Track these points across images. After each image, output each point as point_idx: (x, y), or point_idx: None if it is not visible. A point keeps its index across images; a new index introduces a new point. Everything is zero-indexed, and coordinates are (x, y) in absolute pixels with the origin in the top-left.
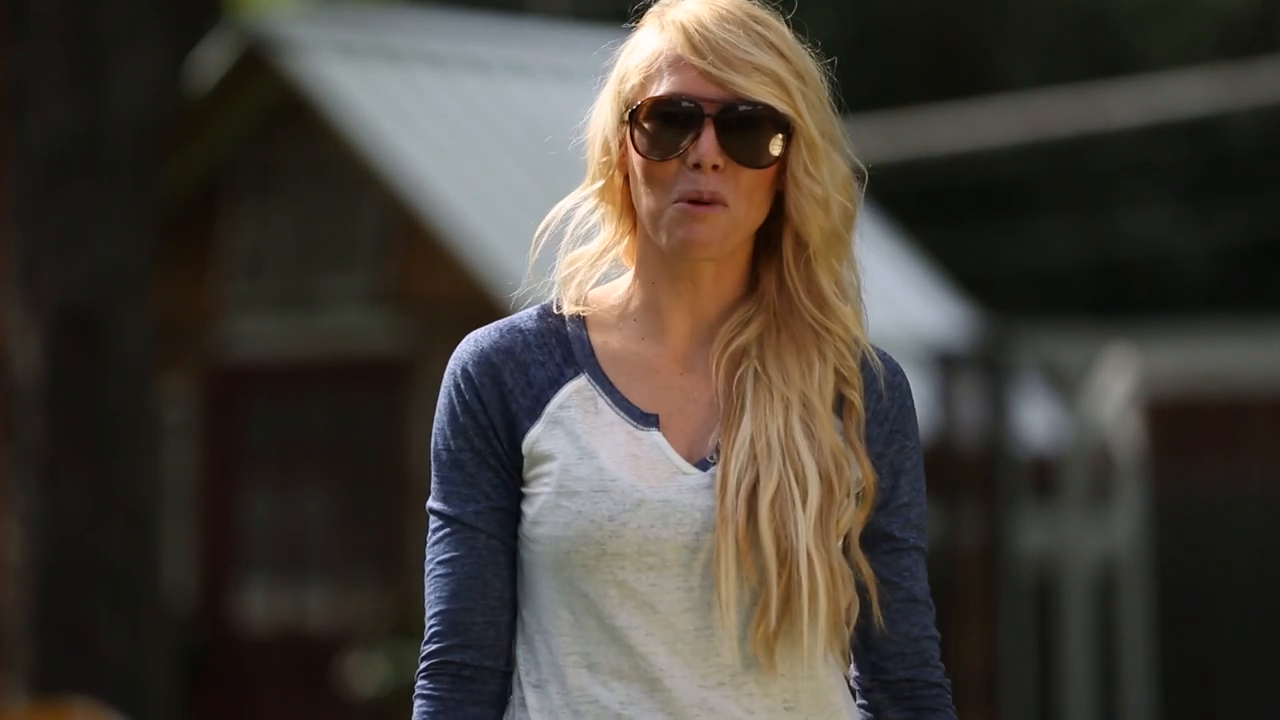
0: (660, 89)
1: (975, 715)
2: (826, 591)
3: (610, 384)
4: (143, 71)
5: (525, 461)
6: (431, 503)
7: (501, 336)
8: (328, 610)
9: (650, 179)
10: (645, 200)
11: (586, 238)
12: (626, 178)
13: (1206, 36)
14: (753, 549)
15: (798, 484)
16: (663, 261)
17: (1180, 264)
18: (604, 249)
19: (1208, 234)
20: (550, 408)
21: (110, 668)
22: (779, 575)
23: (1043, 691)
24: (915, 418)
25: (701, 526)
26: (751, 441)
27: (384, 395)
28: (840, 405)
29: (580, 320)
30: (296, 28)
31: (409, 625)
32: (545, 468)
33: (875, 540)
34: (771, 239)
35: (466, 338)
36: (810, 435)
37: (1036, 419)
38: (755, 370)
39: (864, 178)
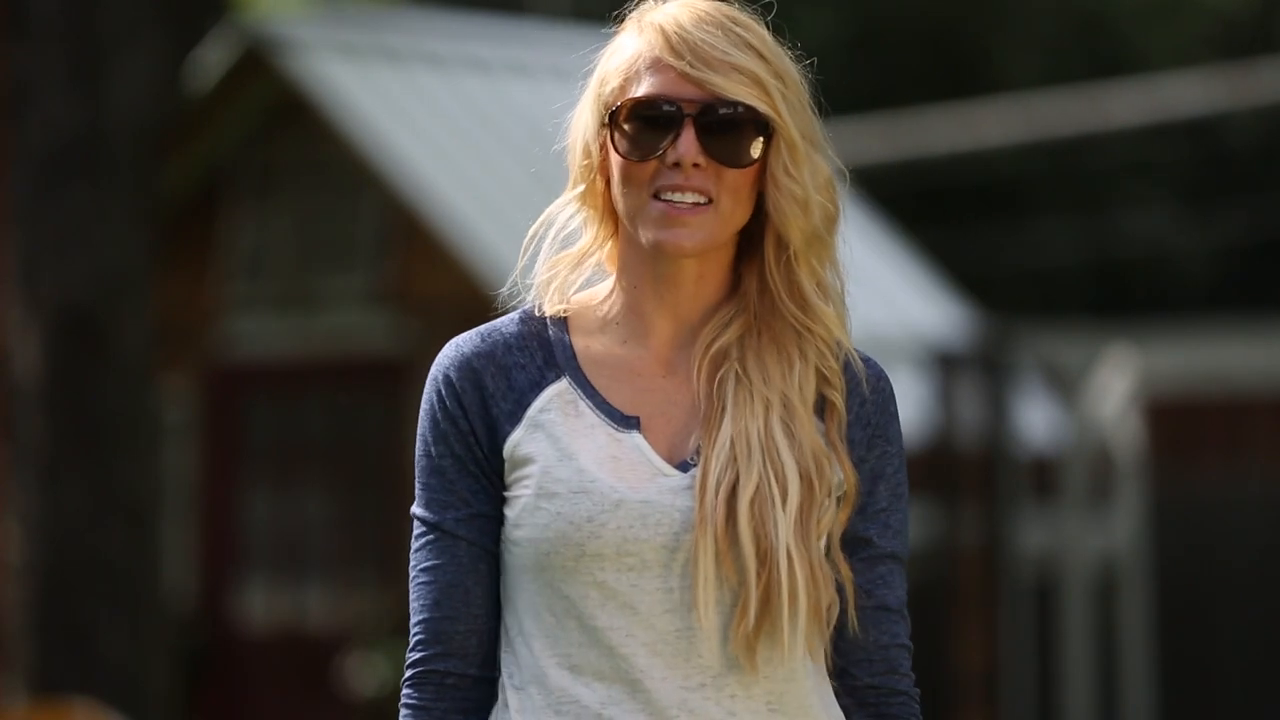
0: (639, 90)
1: (975, 715)
2: (807, 590)
3: (591, 387)
4: (143, 71)
5: (506, 465)
6: (414, 508)
7: (483, 341)
8: (328, 610)
9: (629, 179)
10: (625, 200)
11: (568, 242)
12: (608, 182)
13: (1206, 36)
14: (732, 549)
15: (777, 483)
16: (644, 264)
17: (1180, 264)
18: (585, 253)
19: (1208, 234)
20: (531, 411)
21: (110, 668)
22: (759, 575)
23: (1043, 691)
24: (898, 424)
25: (681, 527)
26: (732, 443)
27: (384, 395)
28: (822, 406)
29: (562, 324)
30: (296, 28)
31: (409, 625)
32: (526, 471)
33: (852, 545)
34: (754, 241)
35: (449, 343)
36: (790, 435)
37: (1036, 419)
38: (736, 372)
39: (846, 179)
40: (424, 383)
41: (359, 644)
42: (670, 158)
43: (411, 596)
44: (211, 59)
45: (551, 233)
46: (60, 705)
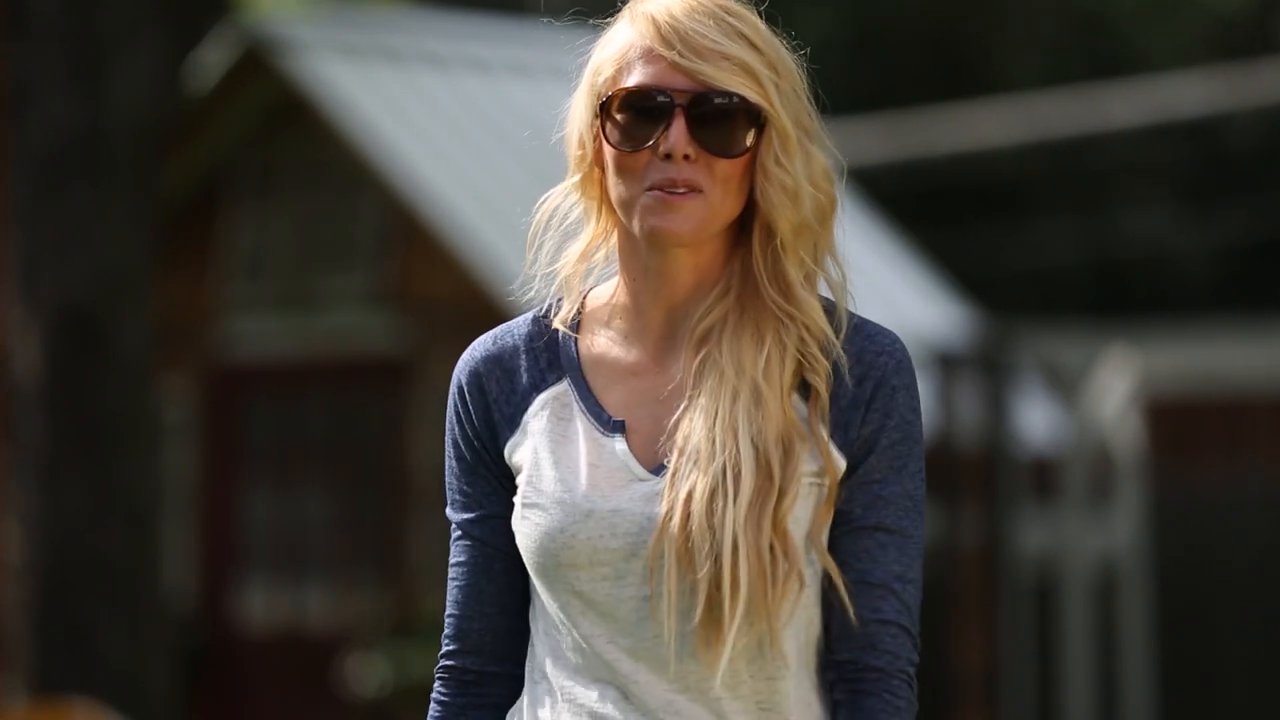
0: (630, 80)
1: (975, 715)
2: (751, 582)
3: (588, 389)
4: (143, 71)
5: (511, 470)
6: (446, 509)
7: (494, 344)
8: (328, 610)
9: (622, 170)
10: (618, 190)
11: (571, 233)
12: (605, 171)
13: (1206, 36)
14: (690, 551)
15: (732, 475)
16: (640, 257)
17: (1180, 264)
18: (589, 246)
19: (1208, 234)
20: (526, 416)
21: (110, 668)
22: (708, 571)
23: (1043, 691)
24: (905, 397)
25: (646, 533)
26: (698, 440)
27: (384, 395)
28: (804, 395)
29: (574, 322)
30: (296, 28)
31: (409, 625)
32: (520, 478)
33: (837, 520)
34: (747, 229)
35: (469, 346)
36: (753, 421)
37: (1036, 419)
38: (713, 358)
39: (844, 172)
40: (424, 383)
41: (359, 644)
42: (661, 148)
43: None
44: (211, 59)
45: (553, 223)
46: (60, 705)
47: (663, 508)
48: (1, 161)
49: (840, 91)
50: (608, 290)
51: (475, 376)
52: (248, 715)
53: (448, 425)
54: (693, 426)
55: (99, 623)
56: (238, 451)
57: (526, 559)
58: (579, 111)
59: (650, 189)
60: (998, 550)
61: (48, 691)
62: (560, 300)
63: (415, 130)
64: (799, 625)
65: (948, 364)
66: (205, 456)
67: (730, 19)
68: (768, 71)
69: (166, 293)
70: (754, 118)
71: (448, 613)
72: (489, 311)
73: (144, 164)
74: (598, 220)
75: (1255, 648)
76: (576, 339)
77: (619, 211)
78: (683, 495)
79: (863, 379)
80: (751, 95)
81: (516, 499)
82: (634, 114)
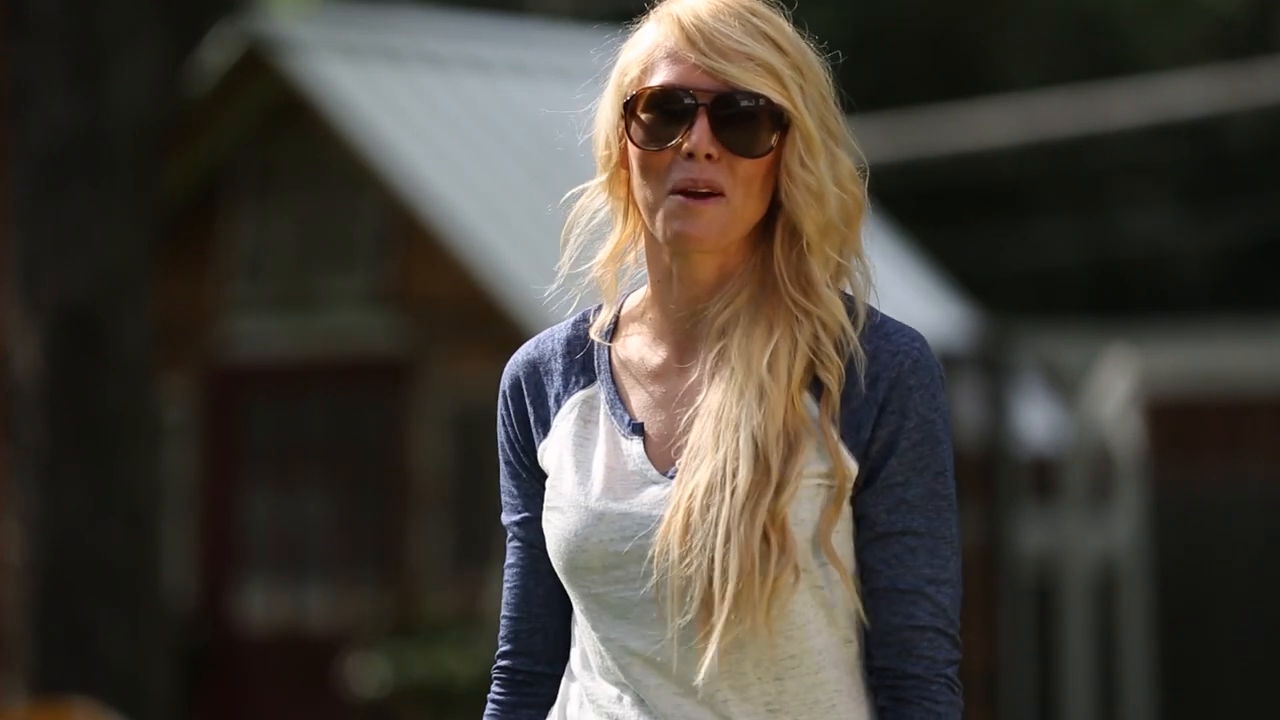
0: (655, 80)
1: (975, 715)
2: (741, 572)
3: (616, 392)
4: (143, 71)
5: (544, 473)
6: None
7: (535, 349)
8: (328, 610)
9: (646, 170)
10: (642, 192)
11: (599, 234)
12: (630, 172)
13: (1206, 36)
14: (692, 554)
15: (730, 474)
16: (663, 260)
17: (1180, 264)
18: (618, 247)
19: (1208, 234)
20: (556, 419)
21: (110, 668)
22: (704, 565)
23: (1043, 691)
24: (927, 397)
25: (651, 535)
26: (702, 441)
27: (384, 395)
28: (816, 394)
29: (610, 326)
30: (296, 28)
31: (409, 625)
32: (549, 481)
33: (863, 527)
34: (770, 230)
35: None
36: (754, 418)
37: (1036, 419)
38: (725, 354)
39: (866, 174)
40: (424, 383)
41: (359, 644)
42: (684, 147)
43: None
44: (211, 59)
45: (582, 221)
46: (60, 705)
47: (669, 509)
48: (1, 161)
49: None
50: (642, 294)
51: (516, 381)
52: (248, 715)
53: (497, 428)
54: (701, 426)
55: (99, 623)
56: (238, 451)
57: (553, 562)
58: (605, 112)
59: (673, 191)
60: (998, 550)
61: (48, 691)
62: (600, 305)
63: (415, 130)
64: (819, 625)
65: (948, 364)
66: (205, 456)
67: (756, 20)
68: (792, 73)
69: (166, 293)
70: (777, 119)
71: (502, 614)
72: (489, 311)
73: (144, 164)
74: (625, 221)
75: (1255, 648)
76: (611, 343)
77: (643, 213)
78: (686, 495)
79: (876, 379)
80: (775, 96)
81: (545, 502)
82: (658, 113)
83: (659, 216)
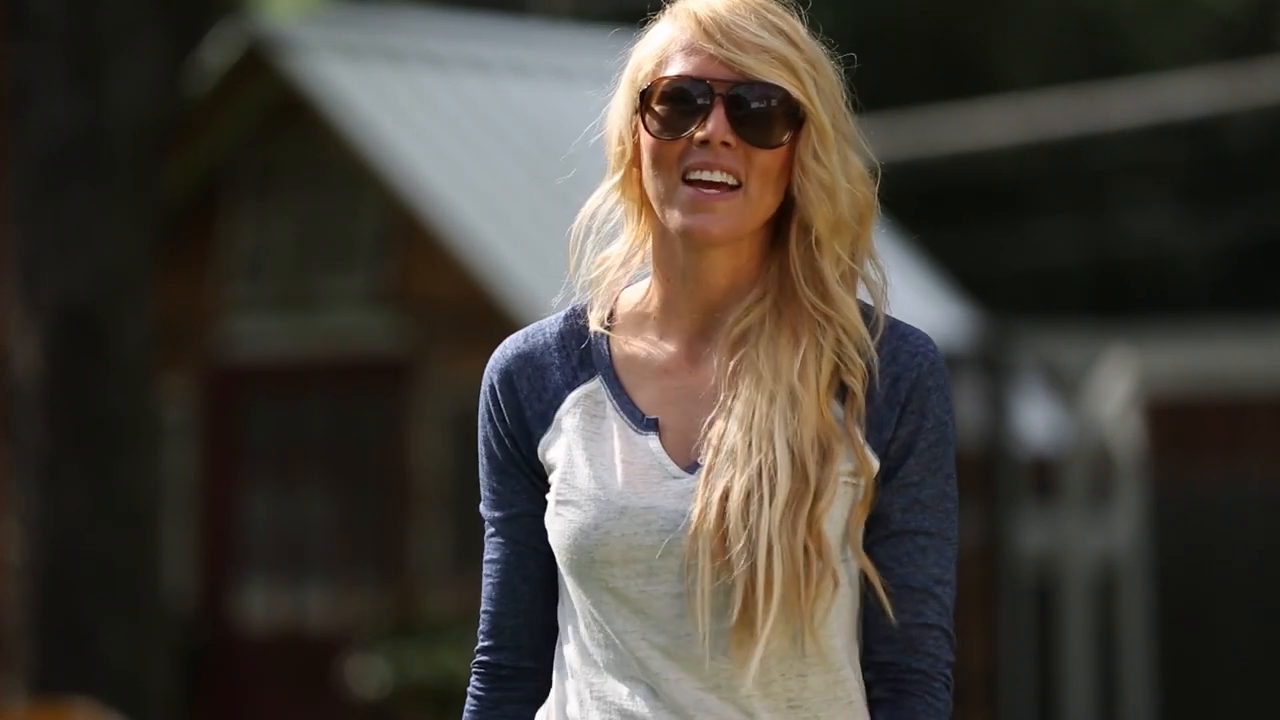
0: (671, 71)
1: (975, 715)
2: (785, 582)
3: (620, 387)
4: (143, 71)
5: (543, 467)
6: (480, 506)
7: (525, 342)
8: (328, 610)
9: (659, 160)
10: (654, 184)
11: (611, 235)
12: (643, 169)
13: (1206, 36)
14: (725, 550)
15: (767, 478)
16: (676, 258)
17: (1180, 264)
18: (631, 249)
19: (1208, 234)
20: (559, 413)
21: (110, 668)
22: (744, 572)
23: (1043, 691)
24: (941, 399)
25: (682, 532)
26: (733, 441)
27: (384, 395)
28: (841, 396)
29: (606, 321)
30: (296, 28)
31: (409, 625)
32: (553, 475)
33: (875, 524)
34: (783, 231)
35: (500, 344)
36: (790, 423)
37: (1036, 419)
38: (749, 360)
39: (878, 175)
40: (424, 383)
41: (359, 644)
42: (699, 135)
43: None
44: (211, 59)
45: (594, 225)
46: (60, 705)
47: (697, 506)
48: (1, 161)
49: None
50: (640, 290)
51: (507, 374)
52: (248, 715)
53: (480, 424)
54: (728, 427)
55: (99, 623)
56: (238, 451)
57: (559, 556)
58: (618, 109)
59: (687, 175)
60: (998, 550)
61: (48, 691)
62: (593, 300)
63: (415, 130)
64: (841, 624)
65: (948, 364)
66: (205, 456)
67: (771, 16)
68: (807, 68)
69: (166, 293)
70: (792, 112)
71: (483, 609)
72: (489, 311)
73: (144, 164)
74: (636, 222)
75: (1255, 647)
76: (609, 338)
77: (655, 207)
78: (717, 494)
79: (897, 379)
80: (792, 89)
81: (550, 496)
82: (674, 103)
83: (672, 209)
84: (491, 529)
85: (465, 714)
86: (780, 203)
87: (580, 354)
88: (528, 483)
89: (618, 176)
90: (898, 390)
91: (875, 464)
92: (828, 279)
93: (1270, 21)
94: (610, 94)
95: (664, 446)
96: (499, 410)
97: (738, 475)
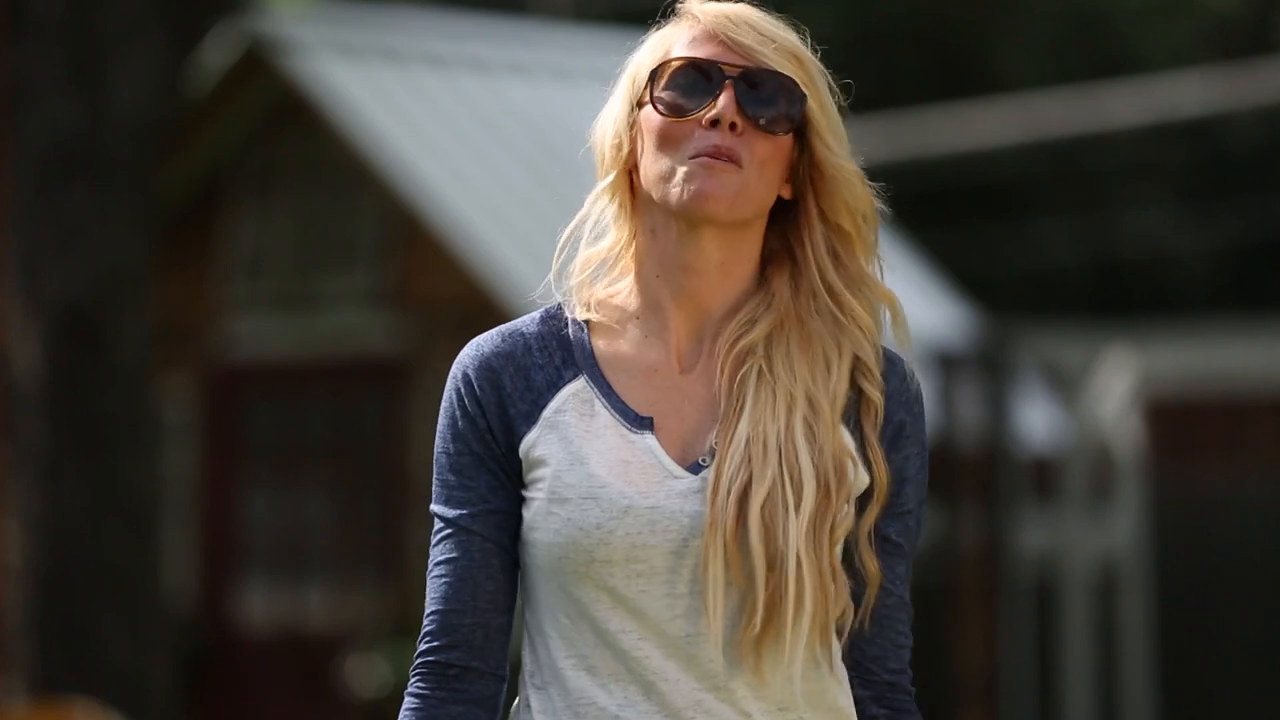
0: (681, 54)
1: (975, 715)
2: (814, 597)
3: (608, 386)
4: (143, 71)
5: (524, 465)
6: (432, 505)
7: (503, 341)
8: (328, 610)
9: (665, 141)
10: (656, 166)
11: (599, 238)
12: (634, 175)
13: (1206, 37)
14: (741, 554)
15: (792, 488)
16: (666, 253)
17: (1180, 264)
18: (613, 251)
19: (1208, 234)
20: (547, 412)
21: (110, 668)
22: (766, 580)
23: (1043, 691)
24: (924, 423)
25: (689, 532)
26: (747, 443)
27: (384, 395)
28: (857, 402)
29: (584, 322)
30: (296, 28)
31: (409, 625)
32: (540, 473)
33: (874, 543)
34: (782, 245)
35: (470, 343)
36: (812, 438)
37: (1036, 419)
38: (760, 369)
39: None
40: (424, 383)
41: (359, 644)
42: (708, 115)
43: (426, 591)
44: (211, 59)
45: (586, 228)
46: (60, 705)
47: (708, 507)
48: (1, 161)
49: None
50: (622, 291)
51: (488, 371)
52: (248, 715)
53: (448, 420)
54: (740, 428)
55: (99, 623)
56: (238, 451)
57: (548, 556)
58: (615, 110)
59: (694, 156)
60: (998, 550)
61: (48, 691)
62: (571, 300)
63: (415, 130)
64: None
65: (948, 364)
66: (205, 456)
67: (774, 20)
68: (813, 65)
69: (166, 293)
70: (798, 105)
71: (431, 609)
72: (489, 311)
73: (144, 164)
74: (625, 223)
75: (1255, 647)
76: (591, 337)
77: (654, 190)
78: (734, 498)
79: (891, 399)
80: (800, 84)
81: (537, 495)
82: (684, 85)
83: (674, 184)
84: (450, 528)
85: (403, 714)
86: (774, 196)
87: (562, 354)
88: (505, 479)
89: (611, 176)
90: (890, 408)
91: (886, 473)
92: (863, 270)
93: (1270, 21)
94: (607, 97)
95: (662, 445)
96: (478, 406)
97: (757, 479)
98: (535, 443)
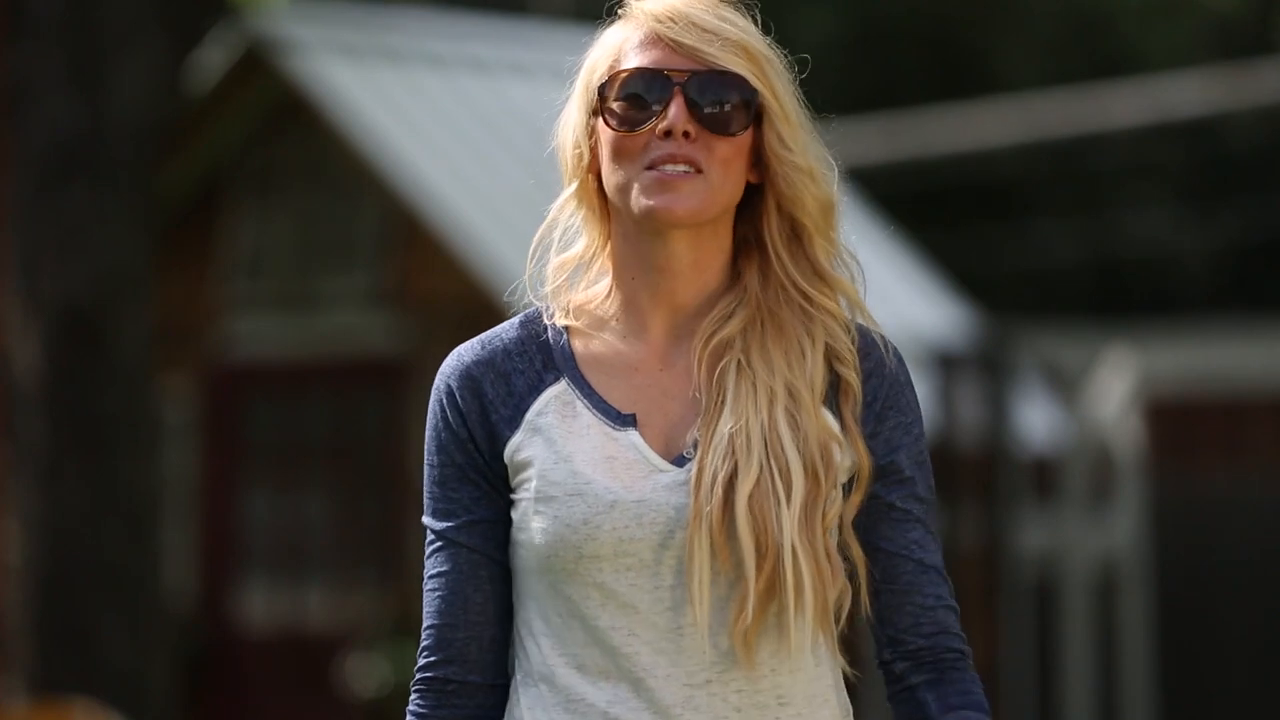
0: (628, 65)
1: None
2: (813, 585)
3: (589, 386)
4: (143, 71)
5: (509, 470)
6: (423, 517)
7: (483, 349)
8: (328, 610)
9: (620, 154)
10: (615, 177)
11: (570, 244)
12: (599, 177)
13: (1206, 37)
14: (729, 543)
15: (781, 478)
16: (639, 255)
17: (1180, 264)
18: (585, 255)
19: (1208, 234)
20: (529, 415)
21: (110, 668)
22: (758, 570)
23: (1043, 691)
24: (913, 392)
25: (675, 524)
26: (730, 435)
27: (384, 395)
28: (835, 387)
29: (563, 325)
30: (296, 28)
31: (409, 625)
32: (526, 475)
33: (880, 514)
34: (751, 233)
35: (451, 353)
36: (795, 427)
37: (1036, 419)
38: (739, 362)
39: (836, 174)
40: (424, 383)
41: (359, 644)
42: (660, 126)
43: (423, 604)
44: (211, 59)
45: (556, 234)
46: (60, 705)
47: (693, 499)
48: (1, 161)
49: (840, 91)
50: (598, 291)
51: (469, 380)
52: (248, 715)
53: (432, 433)
54: (722, 420)
55: (99, 623)
56: (238, 451)
57: (537, 555)
58: (572, 114)
59: (649, 168)
60: (998, 550)
61: (48, 691)
62: (548, 305)
63: (415, 130)
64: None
65: (948, 364)
66: (205, 456)
67: (725, 12)
68: (763, 56)
69: (166, 293)
70: (751, 100)
71: (427, 624)
72: (489, 311)
73: (144, 164)
74: (595, 228)
75: (1255, 647)
76: (570, 340)
77: (617, 199)
78: (720, 489)
79: (870, 376)
80: (750, 76)
81: (524, 496)
82: (633, 96)
83: (633, 193)
84: (439, 541)
85: None
86: (741, 190)
87: (542, 358)
88: (489, 489)
89: (575, 185)
90: (869, 387)
91: (869, 456)
92: (819, 263)
93: (1270, 21)
94: (565, 100)
95: (645, 441)
96: (460, 416)
97: (742, 469)
98: (520, 446)
